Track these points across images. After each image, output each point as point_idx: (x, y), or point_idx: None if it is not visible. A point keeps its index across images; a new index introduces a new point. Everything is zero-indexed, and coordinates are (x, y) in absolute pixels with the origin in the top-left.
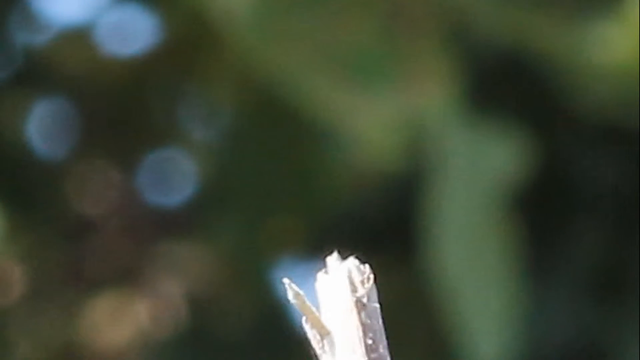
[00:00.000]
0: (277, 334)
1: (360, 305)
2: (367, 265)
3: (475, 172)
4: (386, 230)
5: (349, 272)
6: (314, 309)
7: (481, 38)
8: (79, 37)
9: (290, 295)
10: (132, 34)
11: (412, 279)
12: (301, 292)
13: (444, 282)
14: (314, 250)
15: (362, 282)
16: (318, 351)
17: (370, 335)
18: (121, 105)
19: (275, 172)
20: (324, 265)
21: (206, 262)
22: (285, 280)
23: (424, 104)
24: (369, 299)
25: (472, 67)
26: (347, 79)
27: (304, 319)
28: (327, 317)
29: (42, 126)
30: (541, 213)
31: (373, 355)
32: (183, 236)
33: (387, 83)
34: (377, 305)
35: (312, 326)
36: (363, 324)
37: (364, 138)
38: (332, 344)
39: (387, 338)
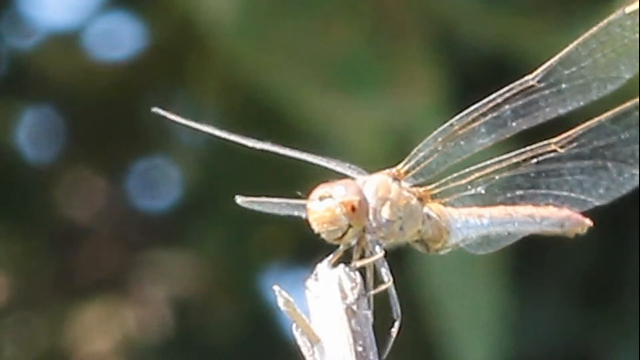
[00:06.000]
0: (267, 341)
1: (350, 313)
2: (357, 273)
3: None
4: None
5: (339, 279)
6: (304, 316)
7: (466, 43)
8: (67, 42)
9: (280, 303)
10: (119, 40)
11: (401, 286)
12: (291, 299)
13: (432, 289)
14: (304, 257)
15: (352, 289)
16: (308, 358)
17: (361, 342)
18: (109, 110)
19: (263, 177)
20: (314, 272)
21: (194, 268)
22: (276, 287)
23: (410, 109)
24: (359, 307)
25: (457, 72)
26: (334, 84)
27: (294, 326)
28: (318, 325)
29: (30, 132)
30: None
31: None
32: (171, 243)
33: (374, 88)
34: (368, 312)
35: (303, 333)
36: (353, 332)
37: (351, 142)
38: (322, 351)
39: (377, 345)
